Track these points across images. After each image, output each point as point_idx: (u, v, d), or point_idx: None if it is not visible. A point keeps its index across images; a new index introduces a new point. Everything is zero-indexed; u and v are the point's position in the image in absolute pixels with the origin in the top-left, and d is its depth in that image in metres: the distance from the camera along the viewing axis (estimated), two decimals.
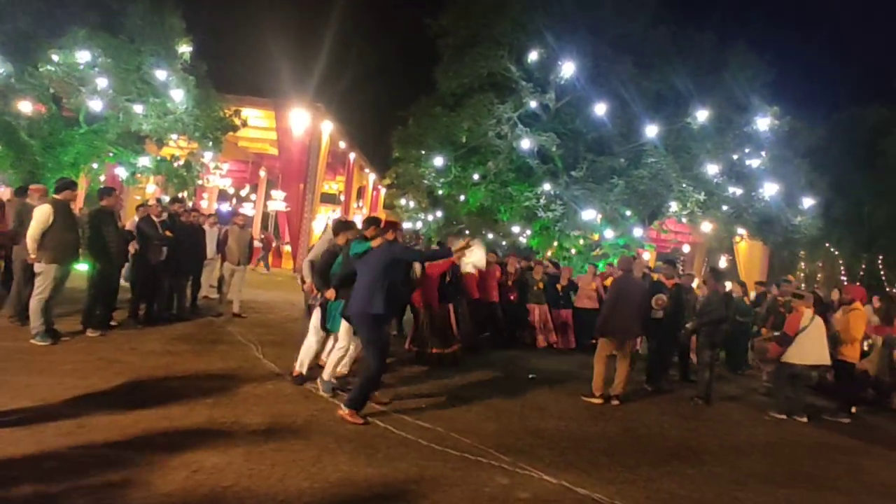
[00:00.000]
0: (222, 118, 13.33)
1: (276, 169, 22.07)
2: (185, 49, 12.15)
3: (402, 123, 16.75)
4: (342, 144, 21.46)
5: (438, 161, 15.34)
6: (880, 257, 19.84)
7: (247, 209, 25.43)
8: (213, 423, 4.16)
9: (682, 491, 4.00)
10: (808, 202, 13.95)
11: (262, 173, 24.97)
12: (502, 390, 6.19)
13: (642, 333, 7.29)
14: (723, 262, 22.64)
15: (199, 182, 15.54)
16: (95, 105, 10.73)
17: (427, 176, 15.69)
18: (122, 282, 7.32)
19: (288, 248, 20.22)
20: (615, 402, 6.26)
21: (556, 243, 15.64)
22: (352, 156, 23.13)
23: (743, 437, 5.67)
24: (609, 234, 15.15)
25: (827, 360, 6.70)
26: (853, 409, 6.99)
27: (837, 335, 6.97)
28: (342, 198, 25.44)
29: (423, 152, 15.82)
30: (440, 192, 16.32)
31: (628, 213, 14.76)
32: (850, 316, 6.96)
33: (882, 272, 19.70)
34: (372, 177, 28.55)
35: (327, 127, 18.56)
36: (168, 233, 7.27)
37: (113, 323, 6.82)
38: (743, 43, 14.64)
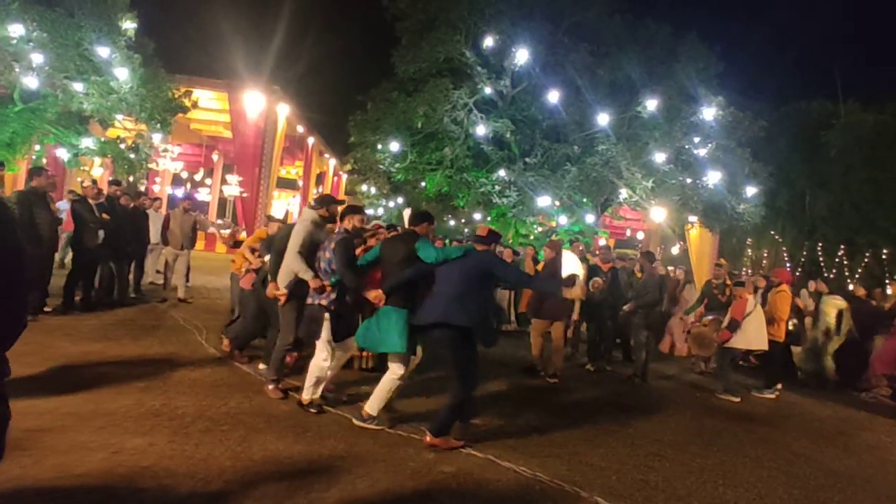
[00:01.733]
0: (171, 99, 12.92)
1: (231, 153, 21.58)
2: (129, 25, 11.68)
3: (362, 108, 16.58)
4: (300, 128, 21.13)
5: (395, 146, 15.28)
6: (820, 245, 20.76)
7: (202, 194, 24.81)
8: (141, 406, 4.12)
9: (603, 463, 4.19)
10: (751, 191, 14.47)
11: (216, 157, 24.37)
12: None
13: (569, 315, 7.47)
14: (676, 249, 23.38)
15: (150, 165, 15.07)
16: (31, 82, 10.23)
17: (384, 161, 15.60)
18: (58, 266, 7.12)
19: (245, 234, 19.86)
20: (554, 381, 6.48)
21: (513, 230, 15.82)
22: (310, 140, 22.79)
23: (672, 412, 5.93)
24: (564, 220, 15.42)
25: (766, 345, 7.06)
26: (779, 386, 7.39)
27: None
28: (301, 183, 25.07)
29: (380, 137, 15.72)
30: (398, 177, 16.26)
31: (583, 199, 15.03)
32: (777, 297, 7.34)
33: (821, 259, 20.63)
34: (333, 162, 28.22)
35: (283, 110, 18.23)
36: (105, 216, 7.07)
37: (47, 309, 6.63)
38: (694, 34, 14.99)
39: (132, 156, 12.72)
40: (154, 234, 8.69)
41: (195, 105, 14.39)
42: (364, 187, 19.47)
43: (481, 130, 14.62)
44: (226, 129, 20.22)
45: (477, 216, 18.83)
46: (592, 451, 4.38)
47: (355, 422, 4.23)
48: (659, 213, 14.67)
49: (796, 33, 43.03)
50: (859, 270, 20.15)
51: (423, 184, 16.40)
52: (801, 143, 20.36)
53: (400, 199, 19.07)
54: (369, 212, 24.12)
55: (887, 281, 19.33)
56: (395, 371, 4.21)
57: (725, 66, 14.88)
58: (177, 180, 25.10)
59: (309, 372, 4.43)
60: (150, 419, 3.90)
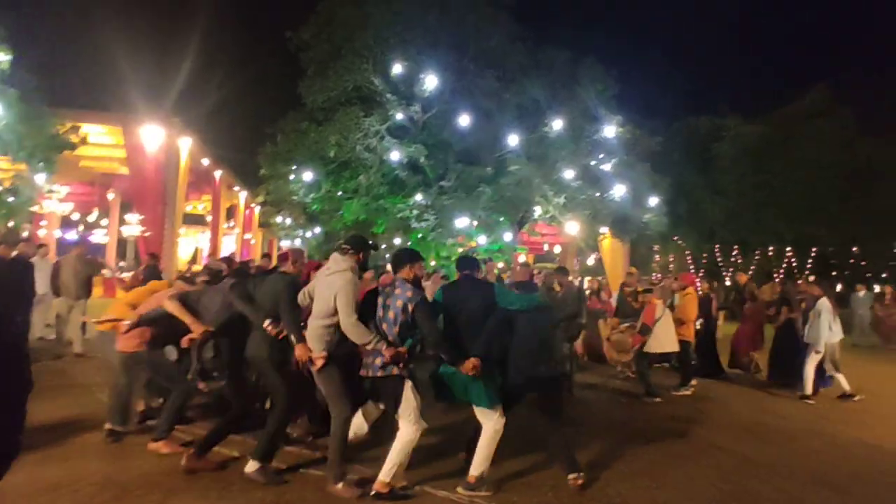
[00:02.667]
0: (55, 136, 11.92)
1: (130, 190, 20.23)
2: (2, 58, 10.71)
3: (271, 139, 16.16)
4: (205, 161, 20.22)
5: (308, 176, 14.98)
6: (717, 247, 22.54)
7: (98, 236, 23.02)
8: (36, 480, 3.64)
9: (538, 475, 4.20)
10: (653, 201, 15.48)
11: (112, 195, 22.73)
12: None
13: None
14: (591, 260, 24.47)
15: (33, 209, 13.78)
16: None
17: (298, 192, 15.23)
18: None
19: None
20: None
21: (433, 253, 15.88)
22: (218, 173, 21.85)
23: (599, 420, 6.07)
24: (483, 240, 15.70)
25: (677, 347, 7.44)
26: (693, 382, 7.80)
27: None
28: (209, 218, 23.92)
29: (294, 168, 15.36)
30: (314, 207, 15.91)
31: (501, 218, 15.40)
32: (685, 300, 7.79)
33: (719, 260, 22.38)
34: (244, 195, 27.20)
35: (186, 143, 17.37)
36: None
37: None
38: (592, 59, 15.95)
39: (10, 199, 11.56)
40: (41, 284, 7.88)
41: (84, 141, 13.38)
42: (279, 219, 18.92)
43: (395, 156, 14.66)
44: (122, 166, 18.94)
45: (397, 241, 18.79)
46: (525, 463, 4.38)
47: (460, 490, 3.86)
48: (573, 227, 15.33)
49: (683, 56, 47.28)
50: (752, 267, 22.02)
51: (340, 212, 16.17)
52: (694, 155, 22.11)
53: (317, 230, 18.66)
54: (286, 243, 23.44)
55: (775, 275, 21.26)
56: (493, 426, 3.89)
57: (622, 87, 15.94)
58: (67, 223, 23.11)
59: (394, 452, 3.71)
60: (46, 494, 3.46)
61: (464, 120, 14.44)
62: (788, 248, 21.29)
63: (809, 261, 20.85)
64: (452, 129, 14.94)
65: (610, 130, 14.51)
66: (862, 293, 16.42)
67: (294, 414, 4.42)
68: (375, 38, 14.33)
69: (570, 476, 3.98)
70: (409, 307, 3.71)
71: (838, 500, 4.23)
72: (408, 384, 3.75)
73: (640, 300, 8.44)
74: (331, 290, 3.80)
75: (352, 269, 3.90)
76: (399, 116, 14.73)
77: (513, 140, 14.30)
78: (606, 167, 14.92)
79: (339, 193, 15.42)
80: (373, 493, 3.64)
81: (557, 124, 14.29)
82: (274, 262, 7.87)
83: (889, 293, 15.64)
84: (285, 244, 24.52)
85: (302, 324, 4.04)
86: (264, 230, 27.05)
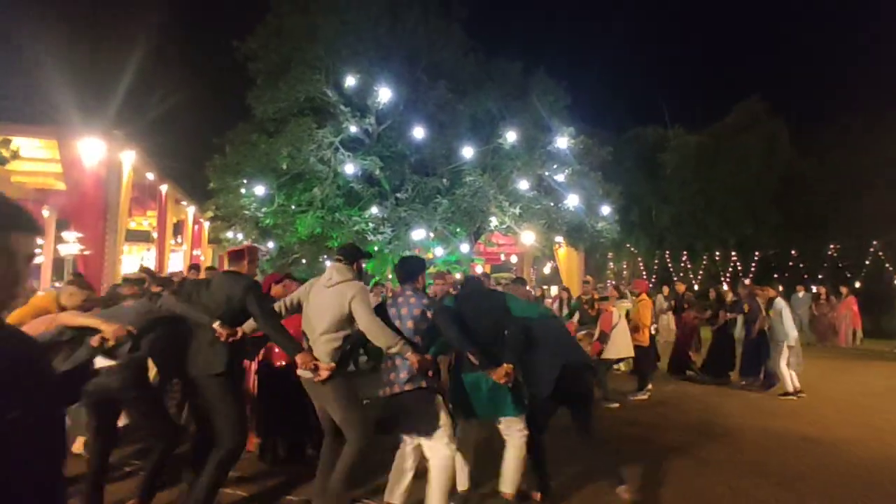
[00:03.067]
0: None
1: (67, 206, 19.17)
2: None
3: (219, 151, 15.64)
4: (150, 176, 19.38)
5: (260, 190, 14.56)
6: (667, 253, 23.21)
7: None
8: None
9: (491, 482, 4.09)
10: (606, 210, 15.78)
11: (47, 212, 21.50)
12: None
13: None
14: (548, 269, 24.77)
15: None
16: None
17: (249, 206, 14.77)
18: None
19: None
20: None
21: (390, 265, 15.68)
22: (163, 188, 20.99)
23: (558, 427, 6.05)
24: (440, 251, 15.61)
25: (633, 353, 7.56)
26: (650, 386, 7.92)
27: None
28: (155, 235, 22.94)
29: (244, 181, 14.90)
30: (266, 221, 15.46)
31: (457, 230, 15.36)
32: (640, 306, 7.92)
33: (669, 265, 23.04)
34: (192, 210, 26.24)
35: (129, 157, 16.60)
36: None
37: None
38: (543, 71, 16.20)
39: None
40: None
41: (16, 155, 12.61)
42: (230, 234, 18.31)
43: (350, 169, 14.44)
44: (58, 181, 17.93)
45: None
46: (484, 474, 4.27)
47: None
48: (528, 237, 15.44)
49: (631, 67, 48.98)
50: (700, 272, 22.77)
51: (294, 226, 15.77)
52: (643, 163, 22.82)
53: (270, 244, 18.16)
54: None
55: (722, 278, 22.03)
56: (520, 439, 3.78)
57: (573, 97, 16.24)
58: None
59: (436, 488, 3.44)
60: None
61: (418, 132, 14.38)
62: (733, 253, 22.13)
63: (753, 264, 21.72)
64: (407, 141, 14.85)
65: (562, 141, 14.74)
66: (801, 294, 17.24)
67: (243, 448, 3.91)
68: (326, 50, 14.11)
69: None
70: (428, 314, 3.53)
71: (786, 495, 4.40)
72: (438, 398, 3.51)
73: (596, 307, 8.54)
74: (340, 299, 3.46)
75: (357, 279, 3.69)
76: (353, 129, 14.52)
77: (468, 151, 14.34)
78: (560, 177, 15.13)
79: (293, 207, 15.04)
80: None
81: (511, 135, 14.43)
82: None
83: (824, 294, 16.47)
84: None
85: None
86: (214, 246, 26.14)
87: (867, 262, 19.92)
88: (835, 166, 21.43)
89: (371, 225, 14.66)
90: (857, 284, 18.82)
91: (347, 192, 15.23)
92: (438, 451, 3.42)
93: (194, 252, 29.67)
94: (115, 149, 16.22)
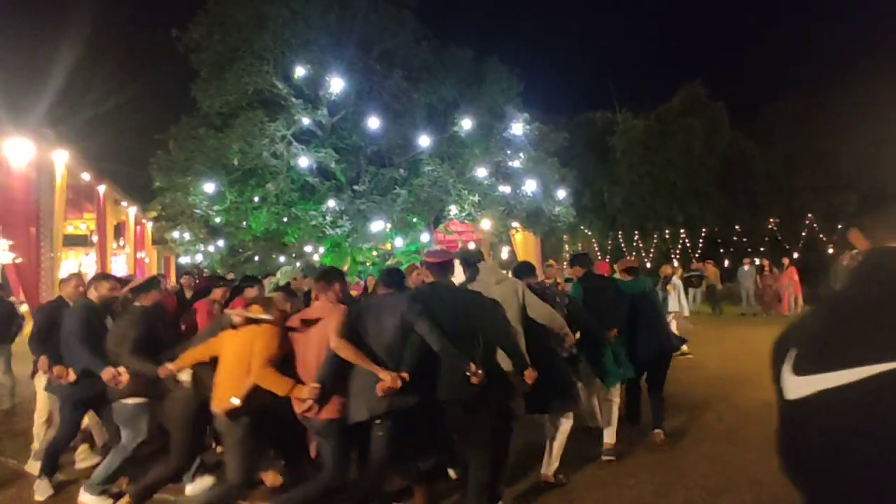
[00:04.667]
0: None
1: None
2: None
3: (163, 148, 14.85)
4: (86, 176, 18.25)
5: (210, 187, 13.94)
6: (620, 234, 23.87)
7: None
8: None
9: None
10: (561, 194, 16.00)
11: None
12: None
13: None
14: (505, 254, 24.99)
15: None
16: None
17: (199, 205, 14.13)
18: None
19: (25, 307, 16.47)
20: None
21: (349, 258, 15.42)
22: (101, 188, 19.82)
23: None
24: (400, 242, 15.46)
25: None
26: None
27: None
28: (95, 238, 21.68)
29: (191, 178, 14.23)
30: (218, 219, 14.85)
31: (416, 219, 15.22)
32: None
33: (623, 246, 23.71)
34: (133, 210, 24.92)
35: (61, 157, 15.54)
36: None
37: None
38: (496, 58, 16.14)
39: None
40: None
41: None
42: (176, 234, 17.53)
43: (304, 162, 14.03)
44: None
45: (308, 249, 18.06)
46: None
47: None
48: (486, 224, 15.50)
49: (580, 54, 49.88)
50: (651, 251, 23.54)
51: (245, 223, 15.22)
52: (594, 147, 23.29)
53: (220, 243, 17.48)
54: (186, 260, 21.77)
55: (672, 255, 22.86)
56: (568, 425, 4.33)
57: (526, 84, 16.27)
58: None
59: (556, 446, 4.24)
60: None
61: (373, 122, 14.08)
62: (682, 231, 22.99)
63: (700, 241, 22.64)
64: (362, 132, 14.53)
65: (518, 128, 14.79)
66: (747, 267, 18.12)
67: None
68: (275, 39, 13.57)
69: (656, 430, 5.16)
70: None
71: (752, 456, 4.70)
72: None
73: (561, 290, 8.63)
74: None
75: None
76: (305, 121, 14.07)
77: (424, 140, 14.18)
78: (517, 163, 15.20)
79: (246, 203, 14.50)
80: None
81: (467, 123, 14.35)
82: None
83: (767, 266, 17.37)
84: (185, 261, 22.85)
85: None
86: (159, 247, 25.02)
87: (803, 234, 21.14)
88: (770, 146, 22.57)
89: (328, 219, 14.32)
90: (796, 255, 19.93)
91: (302, 186, 14.82)
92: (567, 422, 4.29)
93: (138, 255, 28.27)
94: (46, 149, 15.14)
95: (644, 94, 27.82)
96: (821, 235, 20.55)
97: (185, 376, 3.69)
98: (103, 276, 4.96)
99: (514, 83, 15.90)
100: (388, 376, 3.32)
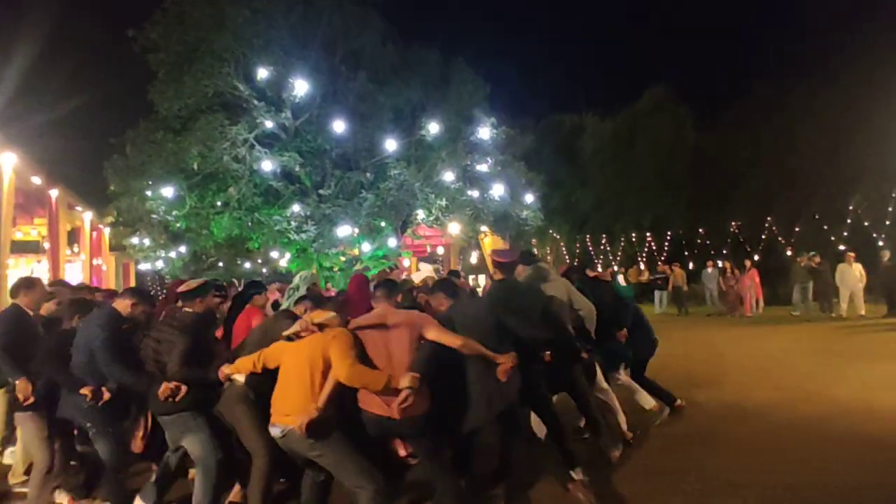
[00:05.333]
0: None
1: None
2: None
3: (119, 152, 14.32)
4: (36, 180, 17.46)
5: (168, 192, 13.49)
6: (588, 236, 24.08)
7: None
8: None
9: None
10: (529, 198, 16.05)
11: None
12: None
13: None
14: (474, 258, 24.94)
15: None
16: None
17: (157, 210, 13.66)
18: None
19: None
20: None
21: (316, 264, 15.12)
22: (53, 193, 19.00)
23: None
24: (366, 247, 15.24)
25: None
26: None
27: None
28: (47, 245, 20.76)
29: (150, 183, 13.75)
30: (178, 225, 14.39)
31: (383, 224, 15.03)
32: None
33: (591, 249, 23.92)
34: (88, 215, 23.99)
35: (9, 160, 14.83)
36: None
37: None
38: (461, 60, 16.08)
39: None
40: None
41: None
42: (134, 240, 16.91)
43: (267, 166, 13.70)
44: None
45: (274, 254, 17.65)
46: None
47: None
48: (455, 228, 15.41)
49: (547, 57, 50.46)
50: (619, 254, 23.82)
51: (207, 229, 14.78)
52: (562, 150, 23.47)
53: (182, 249, 16.95)
54: (146, 266, 21.05)
55: (639, 258, 23.18)
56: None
57: (493, 86, 16.25)
58: None
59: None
60: None
61: (338, 125, 13.83)
62: (648, 234, 23.31)
63: (666, 244, 22.98)
64: (328, 135, 14.26)
65: (485, 132, 14.76)
66: (710, 269, 18.47)
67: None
68: (235, 39, 13.20)
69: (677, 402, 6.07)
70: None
71: (707, 453, 4.90)
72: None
73: None
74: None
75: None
76: (268, 124, 13.74)
77: (391, 144, 14.02)
78: (484, 167, 15.17)
79: (208, 208, 14.08)
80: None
81: (434, 127, 14.24)
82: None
83: (729, 268, 17.73)
84: (145, 268, 22.08)
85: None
86: (117, 254, 24.16)
87: (763, 237, 21.65)
88: (732, 148, 23.03)
89: (293, 223, 14.02)
90: (756, 257, 20.39)
91: (266, 190, 14.48)
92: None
93: (94, 261, 27.26)
94: None
95: (611, 96, 28.22)
96: (779, 238, 21.07)
97: (240, 377, 3.74)
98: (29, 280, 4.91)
99: (481, 85, 15.86)
100: (504, 358, 3.55)
